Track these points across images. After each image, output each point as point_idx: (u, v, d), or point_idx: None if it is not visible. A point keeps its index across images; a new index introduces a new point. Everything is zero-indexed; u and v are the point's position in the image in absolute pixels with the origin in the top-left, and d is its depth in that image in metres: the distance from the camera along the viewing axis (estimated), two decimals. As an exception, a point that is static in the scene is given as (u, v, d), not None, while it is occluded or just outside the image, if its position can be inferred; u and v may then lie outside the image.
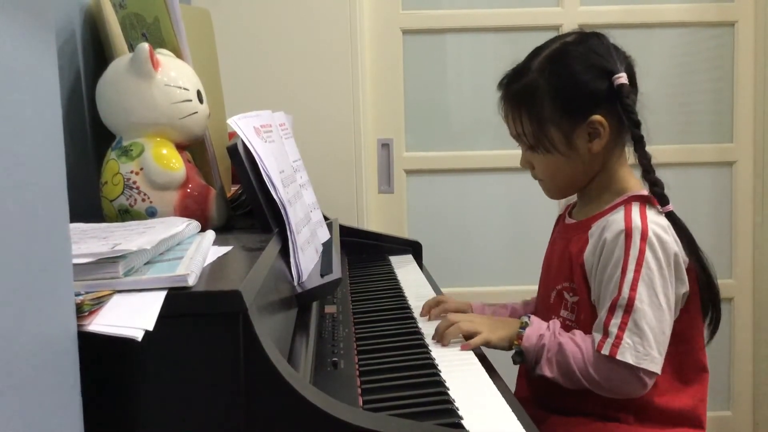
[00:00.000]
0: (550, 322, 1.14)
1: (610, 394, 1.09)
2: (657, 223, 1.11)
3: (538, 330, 1.11)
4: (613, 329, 1.06)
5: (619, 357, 1.05)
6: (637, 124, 1.13)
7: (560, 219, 1.32)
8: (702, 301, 1.15)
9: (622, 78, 1.12)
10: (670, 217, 1.13)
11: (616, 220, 1.11)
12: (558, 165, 1.17)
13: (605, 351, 1.06)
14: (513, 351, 1.12)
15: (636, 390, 1.08)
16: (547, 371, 1.09)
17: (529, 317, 1.14)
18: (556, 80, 1.14)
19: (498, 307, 1.38)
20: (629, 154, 1.19)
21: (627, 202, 1.14)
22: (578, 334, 1.11)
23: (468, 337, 1.13)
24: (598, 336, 1.08)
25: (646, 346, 1.05)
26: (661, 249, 1.08)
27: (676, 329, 1.10)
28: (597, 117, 1.13)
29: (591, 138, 1.14)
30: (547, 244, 1.33)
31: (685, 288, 1.12)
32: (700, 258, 1.14)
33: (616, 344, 1.05)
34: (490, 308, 1.37)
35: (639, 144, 1.13)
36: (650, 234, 1.08)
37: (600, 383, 1.07)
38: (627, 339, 1.05)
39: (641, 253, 1.07)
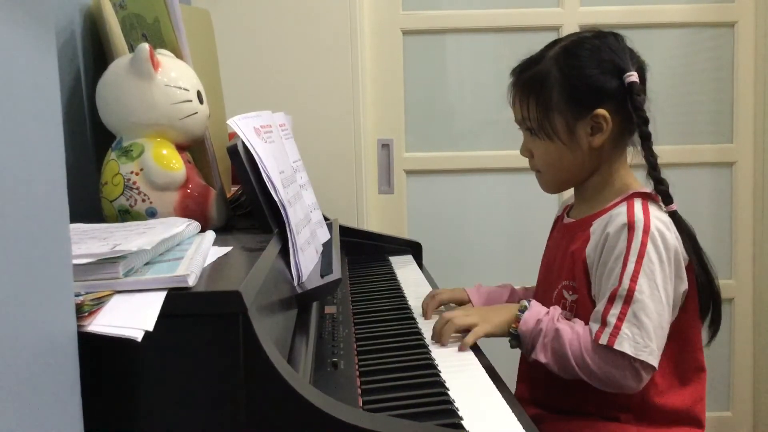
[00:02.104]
0: (551, 308, 1.13)
1: (604, 386, 1.08)
2: (659, 218, 1.11)
3: (537, 314, 1.11)
4: (612, 319, 1.06)
5: (616, 347, 1.04)
6: (646, 122, 1.14)
7: (558, 221, 1.32)
8: (701, 300, 1.15)
9: (633, 76, 1.13)
10: (674, 216, 1.13)
11: (618, 214, 1.12)
12: (557, 154, 1.17)
13: (603, 341, 1.05)
14: (509, 335, 1.12)
15: (631, 383, 1.06)
16: (542, 356, 1.08)
17: (530, 302, 1.14)
18: (567, 69, 1.15)
19: (496, 287, 1.38)
20: (630, 156, 1.20)
21: (629, 198, 1.14)
22: (578, 322, 1.11)
23: (465, 331, 1.13)
24: (595, 326, 1.07)
25: (644, 338, 1.04)
26: (663, 244, 1.09)
27: (674, 328, 1.10)
28: (601, 111, 1.14)
29: (593, 131, 1.15)
30: (545, 247, 1.33)
31: (685, 286, 1.12)
32: (701, 257, 1.14)
33: (614, 334, 1.05)
34: (486, 289, 1.37)
35: (647, 142, 1.14)
36: (652, 228, 1.08)
37: (595, 373, 1.06)
38: (625, 329, 1.05)
39: (643, 245, 1.07)
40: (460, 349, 1.10)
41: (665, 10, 2.20)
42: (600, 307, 1.08)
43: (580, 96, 1.14)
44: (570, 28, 2.04)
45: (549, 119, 1.16)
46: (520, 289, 1.39)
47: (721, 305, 1.18)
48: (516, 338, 1.12)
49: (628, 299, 1.06)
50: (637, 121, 1.13)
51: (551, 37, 1.25)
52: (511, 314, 1.13)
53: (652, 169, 1.14)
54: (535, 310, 1.12)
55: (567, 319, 1.15)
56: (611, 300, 1.07)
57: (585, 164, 1.18)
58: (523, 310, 1.12)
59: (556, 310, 1.12)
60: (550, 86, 1.15)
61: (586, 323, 1.12)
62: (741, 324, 2.30)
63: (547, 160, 1.19)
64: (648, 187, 1.16)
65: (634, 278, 1.06)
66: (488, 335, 1.13)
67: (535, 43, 1.23)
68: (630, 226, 1.09)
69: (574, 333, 1.08)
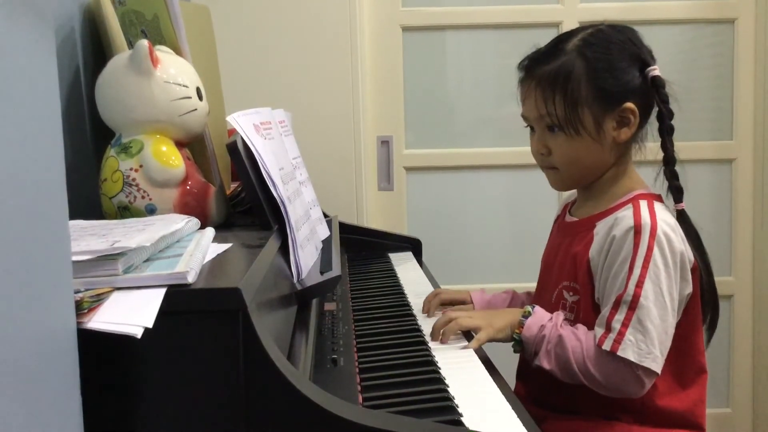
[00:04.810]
0: (555, 313, 1.13)
1: (606, 391, 1.08)
2: (665, 221, 1.10)
3: (540, 320, 1.10)
4: (616, 325, 1.05)
5: (620, 353, 1.04)
6: (672, 115, 1.15)
7: (559, 218, 1.32)
8: (703, 303, 1.15)
9: (657, 70, 1.14)
10: (681, 215, 1.13)
11: (625, 217, 1.11)
12: (584, 150, 1.14)
13: (606, 346, 1.05)
14: (513, 340, 1.12)
15: (633, 389, 1.06)
16: (545, 363, 1.08)
17: (534, 307, 1.13)
18: (596, 62, 1.13)
19: (499, 293, 1.38)
20: (637, 151, 1.20)
21: (635, 200, 1.14)
22: (581, 328, 1.10)
23: (467, 332, 1.12)
24: (600, 331, 1.07)
25: (648, 344, 1.04)
26: (669, 248, 1.08)
27: (676, 331, 1.09)
28: (630, 105, 1.13)
29: (619, 126, 1.14)
30: (546, 244, 1.32)
31: (689, 289, 1.11)
32: (705, 259, 1.14)
33: (618, 340, 1.04)
34: (489, 295, 1.37)
35: (671, 136, 1.16)
36: (659, 232, 1.07)
37: (597, 379, 1.06)
38: (629, 336, 1.04)
39: (650, 250, 1.06)
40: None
41: (665, 7, 2.20)
42: (605, 311, 1.08)
43: (610, 90, 1.13)
44: (570, 24, 2.04)
45: (577, 114, 1.12)
46: (523, 294, 1.37)
47: (719, 306, 1.18)
48: (519, 344, 1.12)
49: (633, 305, 1.05)
50: (666, 115, 1.15)
51: (551, 33, 1.24)
52: (515, 318, 1.12)
53: (672, 164, 1.15)
54: (539, 316, 1.11)
55: (569, 320, 1.15)
56: (616, 305, 1.06)
57: (606, 160, 1.16)
58: (526, 315, 1.11)
59: (559, 317, 1.12)
60: (578, 80, 1.12)
61: (589, 324, 1.11)
62: (740, 321, 2.30)
63: (570, 156, 1.16)
64: (650, 187, 1.16)
65: (639, 284, 1.05)
66: (491, 341, 1.12)
67: (534, 40, 1.22)
68: (637, 229, 1.08)
69: (577, 340, 1.08)
